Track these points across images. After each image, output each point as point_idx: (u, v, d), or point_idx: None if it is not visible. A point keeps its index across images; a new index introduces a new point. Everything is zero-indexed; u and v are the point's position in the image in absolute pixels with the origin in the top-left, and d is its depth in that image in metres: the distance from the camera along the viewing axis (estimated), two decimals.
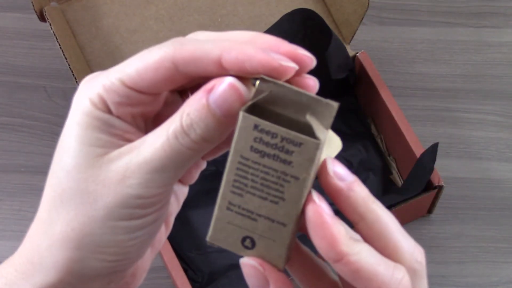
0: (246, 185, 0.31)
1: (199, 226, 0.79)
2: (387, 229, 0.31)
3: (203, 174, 0.88)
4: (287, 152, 0.30)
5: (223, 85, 0.30)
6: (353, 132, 0.84)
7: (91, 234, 0.31)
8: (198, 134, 0.30)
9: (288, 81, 0.32)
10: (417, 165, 0.75)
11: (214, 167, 0.80)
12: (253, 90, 0.31)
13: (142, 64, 0.31)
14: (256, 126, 0.30)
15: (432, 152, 0.74)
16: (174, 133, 0.30)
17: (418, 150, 0.76)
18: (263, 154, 0.30)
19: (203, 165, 0.37)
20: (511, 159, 0.84)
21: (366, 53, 0.80)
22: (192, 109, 0.30)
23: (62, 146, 0.32)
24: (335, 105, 0.32)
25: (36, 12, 0.73)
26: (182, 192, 0.37)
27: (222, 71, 0.30)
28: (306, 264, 0.34)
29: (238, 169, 0.30)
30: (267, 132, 0.30)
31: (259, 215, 0.31)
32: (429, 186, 0.76)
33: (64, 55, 0.69)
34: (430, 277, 0.85)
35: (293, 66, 0.31)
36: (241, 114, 0.29)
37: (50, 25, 0.71)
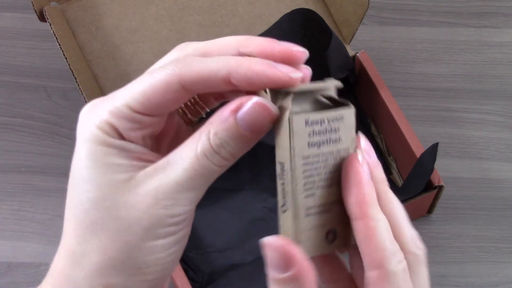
0: (314, 182, 0.32)
1: (199, 226, 0.78)
2: (397, 212, 0.34)
3: None
4: (335, 130, 0.32)
5: (251, 104, 0.31)
6: None
7: (131, 258, 0.31)
8: (228, 152, 0.31)
9: None
10: (417, 165, 0.75)
11: None
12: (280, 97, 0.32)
13: (149, 88, 0.31)
14: (306, 122, 0.31)
15: (432, 152, 0.74)
16: (203, 153, 0.31)
17: (418, 150, 0.76)
18: (319, 144, 0.31)
19: None
20: (511, 159, 0.84)
21: (366, 53, 0.80)
22: (220, 128, 0.31)
23: (80, 178, 0.32)
24: (334, 81, 0.33)
25: (36, 12, 0.73)
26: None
27: (231, 88, 0.31)
28: (327, 258, 0.35)
29: (304, 171, 0.31)
30: (316, 122, 0.31)
31: (331, 203, 0.32)
32: (429, 186, 0.76)
33: (64, 55, 0.69)
34: (430, 277, 0.85)
35: (300, 75, 0.32)
36: (290, 117, 0.30)
37: (50, 25, 0.71)
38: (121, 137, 0.32)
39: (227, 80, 0.31)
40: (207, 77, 0.31)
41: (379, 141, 0.85)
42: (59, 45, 0.70)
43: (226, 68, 0.31)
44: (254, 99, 0.31)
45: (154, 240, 0.31)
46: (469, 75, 0.89)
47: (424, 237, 0.87)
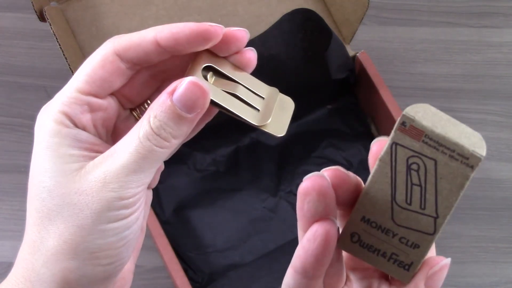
0: None
1: (199, 226, 0.78)
2: None
3: (203, 175, 0.88)
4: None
5: (184, 84, 0.32)
6: (353, 132, 0.85)
7: (84, 242, 0.32)
8: (168, 133, 0.32)
9: (229, 57, 0.35)
10: None
11: (215, 167, 0.80)
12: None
13: (89, 67, 0.34)
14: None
15: None
16: (145, 136, 0.32)
17: None
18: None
19: (162, 167, 0.39)
20: (511, 159, 0.85)
21: (366, 53, 0.80)
22: (159, 111, 0.32)
23: (37, 171, 0.34)
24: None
25: (36, 12, 0.73)
26: (148, 196, 0.39)
27: (161, 51, 0.33)
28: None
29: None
30: None
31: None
32: None
33: (64, 55, 0.69)
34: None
35: (221, 26, 0.34)
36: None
37: (50, 25, 0.71)
38: (74, 124, 0.34)
39: (155, 42, 0.33)
40: (136, 42, 0.34)
41: None
42: (59, 45, 0.70)
43: (153, 30, 0.33)
44: (187, 78, 0.32)
45: (105, 224, 0.32)
46: (469, 75, 0.89)
47: None
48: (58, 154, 0.33)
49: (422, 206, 0.32)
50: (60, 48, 0.70)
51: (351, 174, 0.33)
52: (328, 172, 0.32)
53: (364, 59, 0.80)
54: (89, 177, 0.33)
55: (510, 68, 0.90)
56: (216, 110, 0.36)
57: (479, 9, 0.93)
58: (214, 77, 0.35)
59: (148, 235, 0.73)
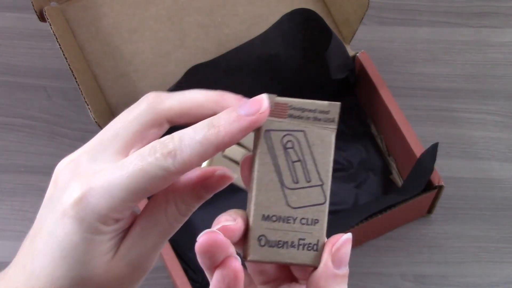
0: None
1: (199, 226, 0.78)
2: None
3: None
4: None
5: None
6: (353, 132, 0.84)
7: None
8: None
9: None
10: (417, 165, 0.75)
11: None
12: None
13: (136, 180, 0.32)
14: None
15: (432, 152, 0.74)
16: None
17: (418, 150, 0.76)
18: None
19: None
20: (511, 159, 0.84)
21: (366, 53, 0.80)
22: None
23: (68, 241, 0.33)
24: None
25: (36, 12, 0.73)
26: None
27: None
28: None
29: None
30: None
31: None
32: (429, 186, 0.76)
33: (64, 55, 0.69)
34: (430, 277, 0.85)
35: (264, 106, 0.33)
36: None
37: (50, 25, 0.71)
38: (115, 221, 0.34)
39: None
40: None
41: (379, 141, 0.85)
42: (59, 45, 0.70)
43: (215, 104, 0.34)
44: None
45: None
46: (469, 75, 0.89)
47: (424, 237, 0.87)
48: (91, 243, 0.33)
49: (308, 179, 0.34)
50: (60, 48, 0.70)
51: (238, 220, 0.34)
52: (220, 229, 0.34)
53: (364, 59, 0.80)
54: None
55: (510, 68, 0.90)
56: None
57: (479, 9, 0.93)
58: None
59: None
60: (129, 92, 0.76)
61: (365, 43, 0.87)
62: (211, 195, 0.37)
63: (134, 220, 0.35)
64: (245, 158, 0.35)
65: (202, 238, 0.33)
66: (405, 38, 0.91)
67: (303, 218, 0.34)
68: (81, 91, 0.68)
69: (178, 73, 0.75)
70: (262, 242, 0.34)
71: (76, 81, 0.68)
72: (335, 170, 0.88)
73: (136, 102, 0.35)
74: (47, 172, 0.33)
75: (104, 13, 0.78)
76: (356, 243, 0.73)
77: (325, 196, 0.34)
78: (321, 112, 0.34)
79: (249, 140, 0.35)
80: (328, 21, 0.78)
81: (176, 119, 0.34)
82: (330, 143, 0.34)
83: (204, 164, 0.38)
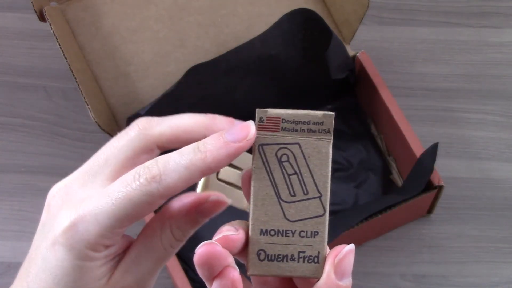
0: None
1: (199, 227, 0.78)
2: None
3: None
4: None
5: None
6: (353, 132, 0.84)
7: None
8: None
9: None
10: (417, 165, 0.75)
11: None
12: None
13: (125, 207, 0.33)
14: None
15: (432, 152, 0.74)
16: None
17: (418, 150, 0.76)
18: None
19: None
20: (511, 159, 0.84)
21: (366, 53, 0.80)
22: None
23: (59, 267, 0.34)
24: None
25: (36, 12, 0.73)
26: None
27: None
28: None
29: None
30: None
31: None
32: (429, 186, 0.76)
33: (64, 55, 0.69)
34: (430, 277, 0.85)
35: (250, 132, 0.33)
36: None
37: (50, 25, 0.71)
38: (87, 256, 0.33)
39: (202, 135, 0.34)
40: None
41: (379, 141, 0.85)
42: (59, 45, 0.70)
43: (203, 127, 0.34)
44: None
45: None
46: (469, 75, 0.89)
47: (424, 237, 0.87)
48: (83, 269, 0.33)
49: (305, 192, 0.34)
50: (60, 48, 0.70)
51: (240, 231, 0.34)
52: (218, 241, 0.33)
53: (364, 59, 0.80)
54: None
55: (510, 68, 0.90)
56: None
57: (479, 9, 0.93)
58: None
59: None
60: (129, 92, 0.76)
61: (365, 43, 0.87)
62: (206, 220, 0.37)
63: (128, 244, 0.35)
64: (245, 174, 0.35)
65: (200, 250, 0.33)
66: (405, 38, 0.91)
67: (302, 231, 0.33)
68: (81, 91, 0.68)
69: (178, 73, 0.75)
70: (261, 257, 0.34)
71: (76, 81, 0.68)
72: (335, 170, 0.88)
73: (127, 128, 0.35)
74: (47, 172, 0.34)
75: (104, 13, 0.78)
76: (356, 243, 0.73)
77: (324, 207, 0.34)
78: (315, 123, 0.34)
79: (241, 160, 0.35)
80: (328, 21, 0.78)
81: (167, 144, 0.35)
82: (327, 154, 0.33)
83: (199, 189, 0.38)
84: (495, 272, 0.79)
